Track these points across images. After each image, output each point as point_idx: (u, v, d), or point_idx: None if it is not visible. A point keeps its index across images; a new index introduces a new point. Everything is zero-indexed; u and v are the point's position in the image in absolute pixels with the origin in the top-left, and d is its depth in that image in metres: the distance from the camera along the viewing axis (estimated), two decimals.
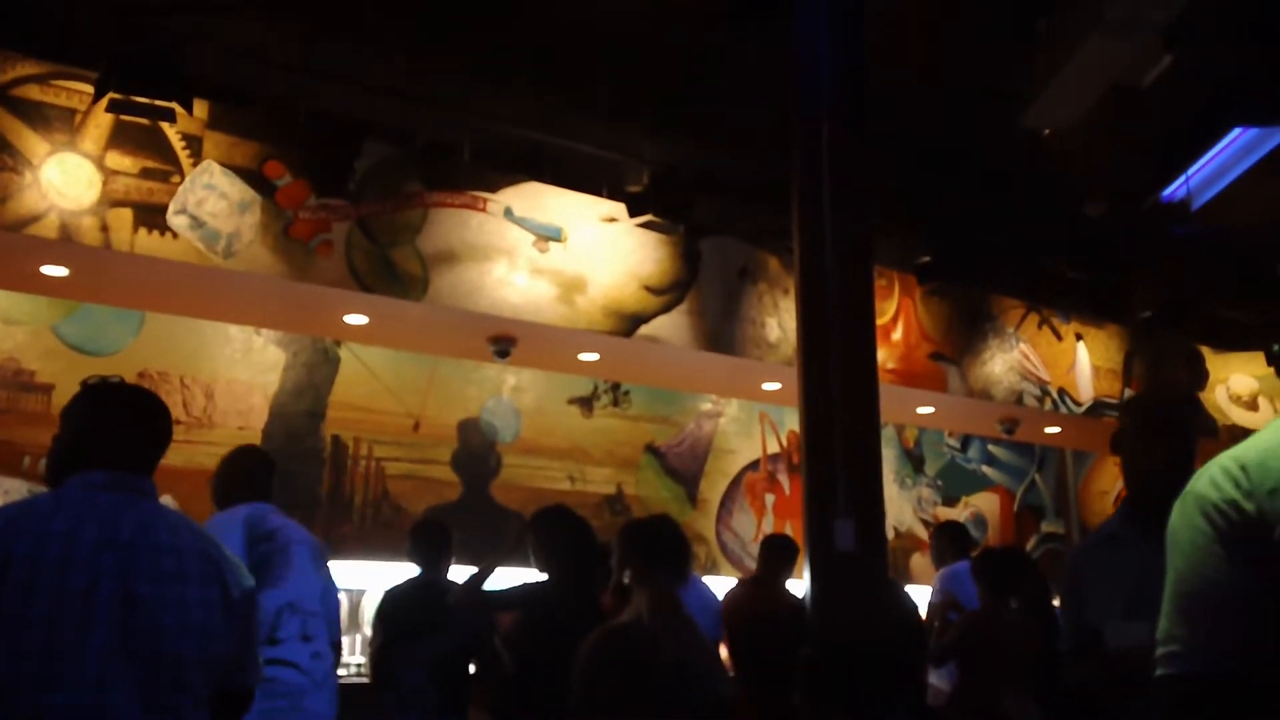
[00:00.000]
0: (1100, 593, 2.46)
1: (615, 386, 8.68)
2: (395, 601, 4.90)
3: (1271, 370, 10.19)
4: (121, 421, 2.27)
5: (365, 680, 6.01)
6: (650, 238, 7.06)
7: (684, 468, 9.03)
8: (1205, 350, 10.36)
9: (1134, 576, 2.36)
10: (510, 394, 8.26)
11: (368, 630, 6.11)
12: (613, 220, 6.95)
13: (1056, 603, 6.73)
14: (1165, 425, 2.55)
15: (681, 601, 3.92)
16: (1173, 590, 1.57)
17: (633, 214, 6.81)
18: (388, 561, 6.88)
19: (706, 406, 9.20)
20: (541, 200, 6.74)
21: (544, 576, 4.14)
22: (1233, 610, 1.50)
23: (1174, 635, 1.54)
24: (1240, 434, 10.17)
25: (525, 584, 4.22)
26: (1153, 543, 2.29)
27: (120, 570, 2.07)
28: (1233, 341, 10.36)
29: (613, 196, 6.98)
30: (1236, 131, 7.42)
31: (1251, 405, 10.42)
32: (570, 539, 4.17)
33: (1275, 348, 1.97)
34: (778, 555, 5.74)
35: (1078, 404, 9.28)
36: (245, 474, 3.87)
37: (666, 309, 7.11)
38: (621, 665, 2.27)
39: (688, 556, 3.94)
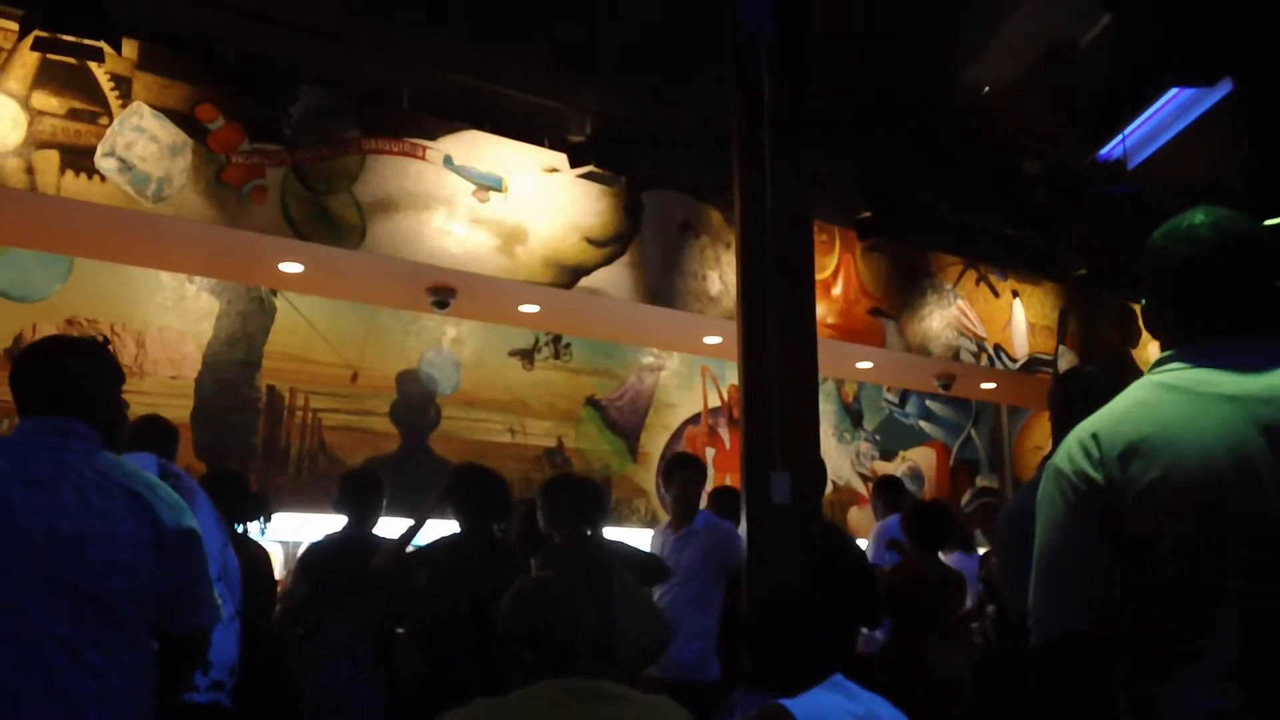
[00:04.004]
0: None
1: (556, 339, 8.66)
2: (322, 555, 4.84)
3: None
4: (36, 369, 2.37)
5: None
6: (591, 189, 7.02)
7: (625, 421, 9.05)
8: (1137, 308, 10.53)
9: None
10: (450, 345, 8.21)
11: None
12: (554, 171, 6.89)
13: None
14: None
15: (597, 552, 4.08)
16: (1035, 564, 1.60)
17: (574, 164, 6.75)
18: (324, 514, 6.82)
19: (648, 360, 9.21)
20: (481, 149, 6.66)
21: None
22: (1094, 579, 1.54)
23: (1034, 606, 1.58)
24: None
25: (438, 539, 4.41)
26: None
27: (41, 507, 2.14)
28: None
29: (554, 147, 6.91)
30: (1173, 92, 7.51)
31: None
32: (476, 492, 4.38)
33: (1143, 302, 1.95)
34: (726, 507, 5.77)
35: (1013, 360, 9.41)
36: (160, 433, 4.09)
37: (608, 261, 7.08)
38: (533, 621, 2.28)
39: (592, 510, 4.26)
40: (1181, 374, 1.63)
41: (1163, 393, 1.61)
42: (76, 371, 2.36)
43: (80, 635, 2.11)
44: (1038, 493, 1.64)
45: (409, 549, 4.50)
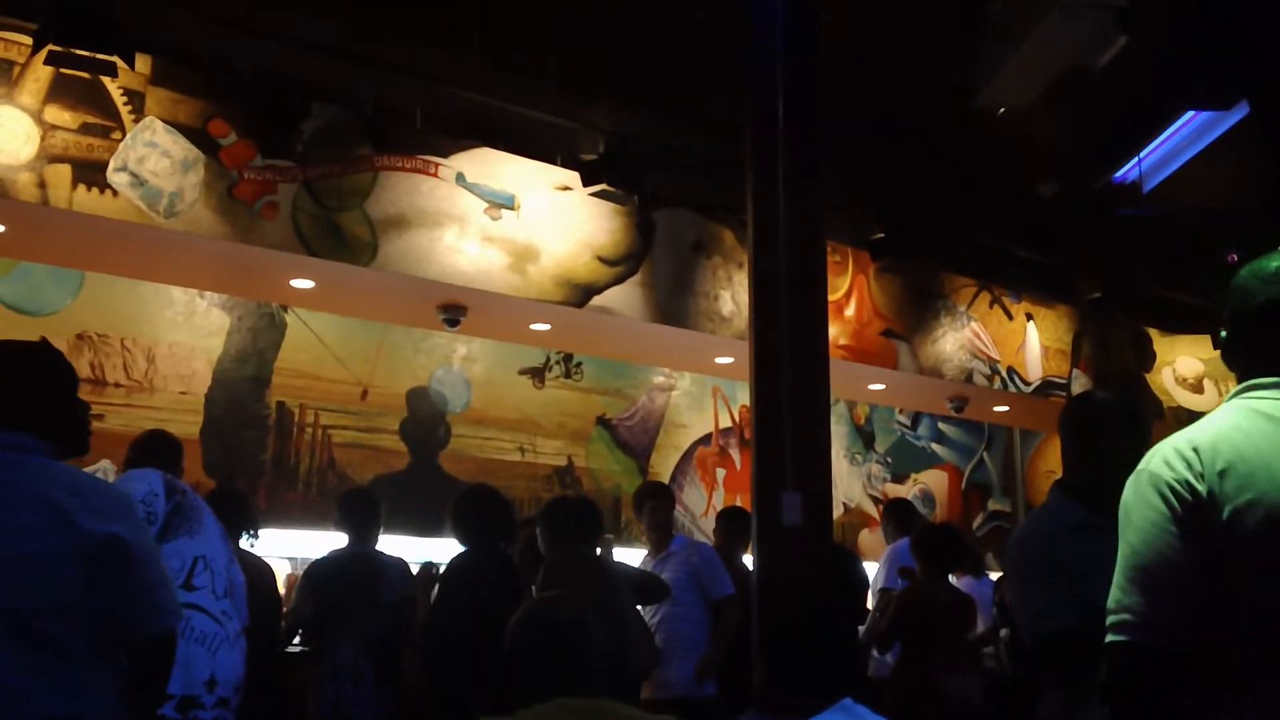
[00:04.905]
0: (1101, 576, 2.55)
1: (567, 358, 8.63)
2: (326, 573, 4.84)
3: (1218, 353, 10.30)
4: None
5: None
6: (604, 208, 7.00)
7: (635, 441, 9.01)
8: (1153, 332, 10.48)
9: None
10: (460, 363, 8.19)
11: None
12: (566, 189, 6.88)
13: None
14: (1145, 425, 2.72)
15: (603, 572, 4.09)
16: (1127, 563, 1.65)
17: (586, 183, 6.75)
18: (333, 530, 6.80)
19: (659, 379, 9.18)
20: (494, 167, 6.66)
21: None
22: (1185, 587, 1.59)
23: (1126, 605, 1.62)
24: (1185, 416, 10.32)
25: (450, 560, 4.42)
26: None
27: None
28: (1180, 324, 10.47)
29: (566, 165, 6.90)
30: (1188, 115, 7.48)
31: (1197, 388, 10.56)
32: (478, 512, 4.38)
33: (1223, 334, 2.02)
34: (735, 527, 5.74)
35: (1026, 383, 9.36)
36: (166, 449, 4.05)
37: (619, 280, 7.06)
38: (541, 641, 2.25)
39: (591, 531, 4.36)
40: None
41: (1260, 420, 1.66)
42: (18, 381, 2.26)
43: (16, 660, 2.04)
44: (1124, 497, 1.69)
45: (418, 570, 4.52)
